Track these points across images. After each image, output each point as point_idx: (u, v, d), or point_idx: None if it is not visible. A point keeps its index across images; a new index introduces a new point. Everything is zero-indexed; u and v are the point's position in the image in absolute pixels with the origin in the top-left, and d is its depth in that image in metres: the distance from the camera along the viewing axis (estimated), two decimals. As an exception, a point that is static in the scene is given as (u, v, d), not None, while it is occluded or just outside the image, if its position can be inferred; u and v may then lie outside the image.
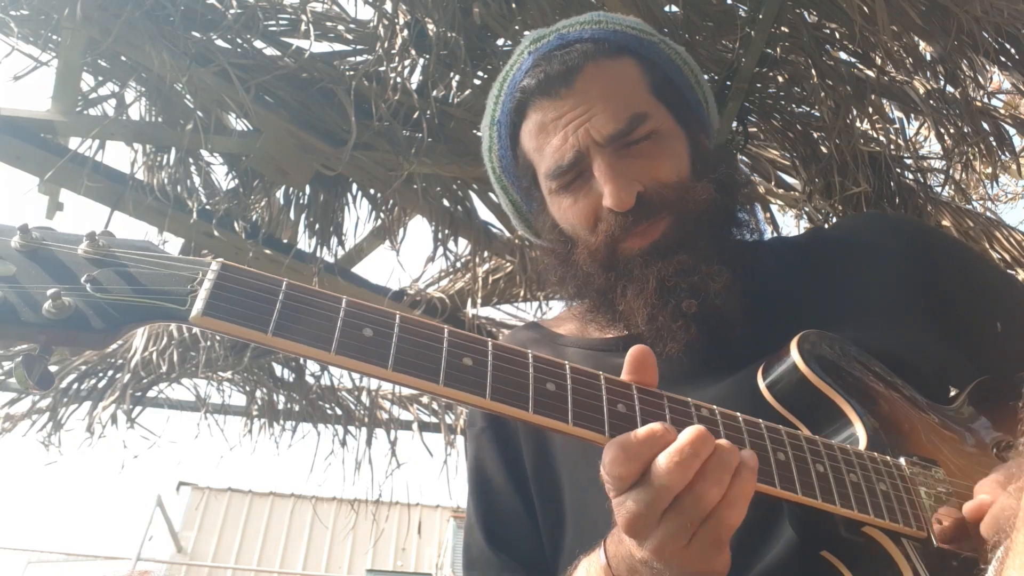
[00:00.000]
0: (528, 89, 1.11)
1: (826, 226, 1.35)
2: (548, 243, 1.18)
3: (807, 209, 3.30)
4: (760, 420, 0.82)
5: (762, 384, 0.93)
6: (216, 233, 2.88)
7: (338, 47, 2.82)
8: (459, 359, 0.72)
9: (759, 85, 2.90)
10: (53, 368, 3.90)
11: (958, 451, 0.95)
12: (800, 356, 0.91)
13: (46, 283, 0.62)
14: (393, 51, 2.57)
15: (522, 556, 1.07)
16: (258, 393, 4.31)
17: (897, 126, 3.03)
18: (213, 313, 0.65)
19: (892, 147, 3.04)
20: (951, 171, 3.01)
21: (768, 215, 3.33)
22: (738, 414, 0.82)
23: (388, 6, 2.63)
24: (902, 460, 0.87)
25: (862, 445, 0.88)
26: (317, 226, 3.22)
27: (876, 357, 0.98)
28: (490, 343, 0.75)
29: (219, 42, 2.59)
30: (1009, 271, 3.14)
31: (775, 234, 3.34)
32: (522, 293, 3.76)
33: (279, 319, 0.67)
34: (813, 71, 2.72)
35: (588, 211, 1.09)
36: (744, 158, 3.18)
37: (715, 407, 0.81)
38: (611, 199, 1.04)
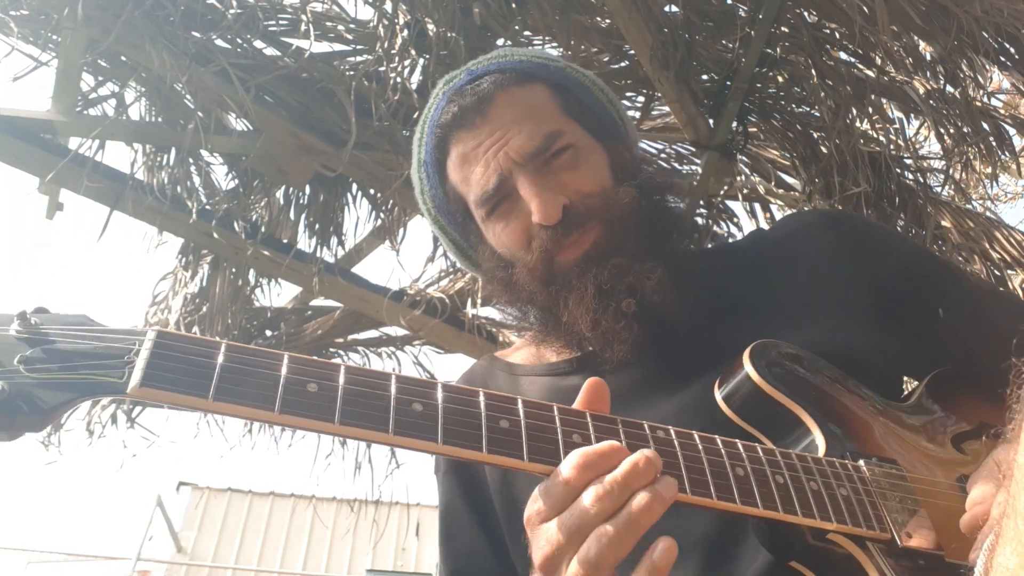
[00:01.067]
0: (445, 125, 1.15)
1: (765, 227, 1.36)
2: (489, 271, 1.19)
3: (807, 209, 3.30)
4: (716, 436, 0.82)
5: (719, 397, 0.94)
6: (215, 234, 2.88)
7: (338, 47, 2.82)
8: (408, 405, 0.71)
9: (759, 85, 2.90)
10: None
11: (917, 448, 0.96)
12: (753, 367, 0.92)
13: None
14: (393, 51, 2.57)
15: None
16: (258, 393, 4.31)
17: (897, 126, 3.03)
18: (151, 383, 0.64)
19: (892, 147, 3.04)
20: (951, 171, 3.01)
21: (768, 215, 3.33)
22: (694, 432, 0.82)
23: (388, 6, 2.63)
24: (861, 463, 0.88)
25: (821, 451, 0.89)
26: (317, 226, 3.22)
27: (827, 358, 0.99)
28: (439, 385, 0.74)
29: (219, 42, 2.59)
30: (1009, 270, 3.15)
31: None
32: (522, 293, 3.76)
33: (219, 383, 0.65)
34: (813, 71, 2.72)
35: (520, 231, 1.11)
36: (744, 158, 3.19)
37: (670, 428, 0.81)
38: (538, 214, 1.06)
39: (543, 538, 0.72)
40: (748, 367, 0.92)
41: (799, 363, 0.96)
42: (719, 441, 0.82)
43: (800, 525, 0.80)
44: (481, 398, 0.74)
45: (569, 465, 0.71)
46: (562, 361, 1.17)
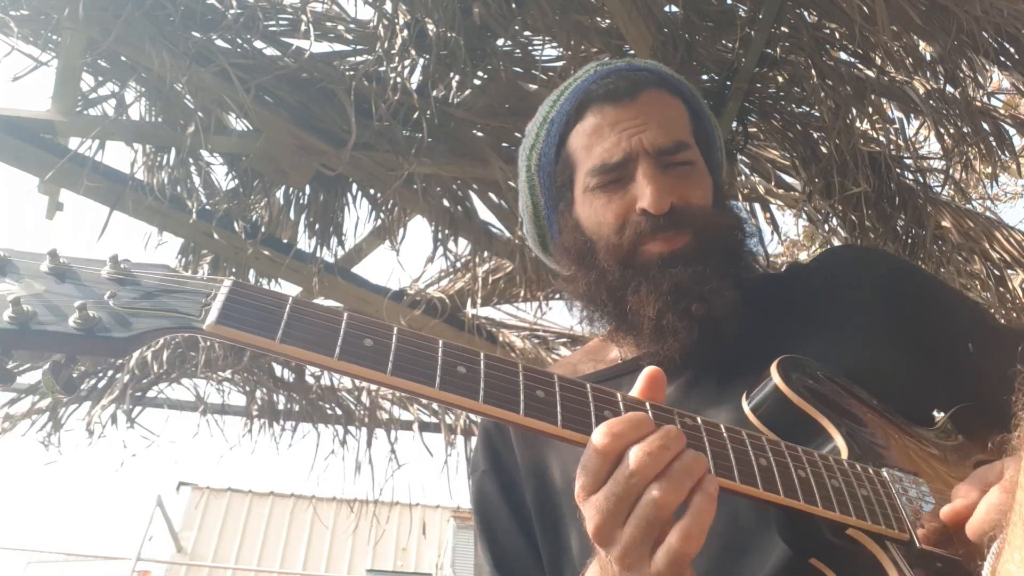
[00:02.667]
0: (593, 93, 1.19)
1: (802, 262, 1.44)
2: (564, 241, 1.22)
3: (807, 209, 3.30)
4: (742, 429, 0.85)
5: (747, 408, 0.96)
6: (215, 234, 2.88)
7: (338, 47, 2.82)
8: (454, 367, 0.76)
9: (759, 85, 2.90)
10: (53, 368, 3.90)
11: (937, 467, 0.98)
12: (781, 377, 0.95)
13: (73, 299, 0.68)
14: (393, 51, 2.57)
15: None
16: (258, 393, 4.31)
17: (897, 126, 3.03)
18: (225, 322, 0.70)
19: (892, 147, 3.04)
20: (951, 171, 3.01)
21: (768, 215, 3.33)
22: (720, 424, 0.84)
23: (388, 6, 2.63)
24: (884, 470, 0.90)
25: (843, 458, 0.90)
26: (317, 226, 3.22)
27: (855, 379, 1.02)
28: (482, 354, 0.79)
29: (219, 42, 2.59)
30: (1009, 270, 3.15)
31: (774, 235, 3.35)
32: (522, 293, 3.76)
33: (286, 328, 0.72)
34: (813, 71, 2.72)
35: (620, 212, 1.15)
36: (744, 158, 3.19)
37: (697, 416, 0.83)
38: (650, 200, 1.11)
39: (592, 508, 0.75)
40: (776, 378, 0.95)
41: (826, 378, 0.99)
42: (745, 433, 0.84)
43: (820, 521, 0.82)
44: (520, 369, 0.79)
45: (600, 434, 0.75)
46: (607, 368, 1.22)
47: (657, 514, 0.72)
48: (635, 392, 0.84)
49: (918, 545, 0.83)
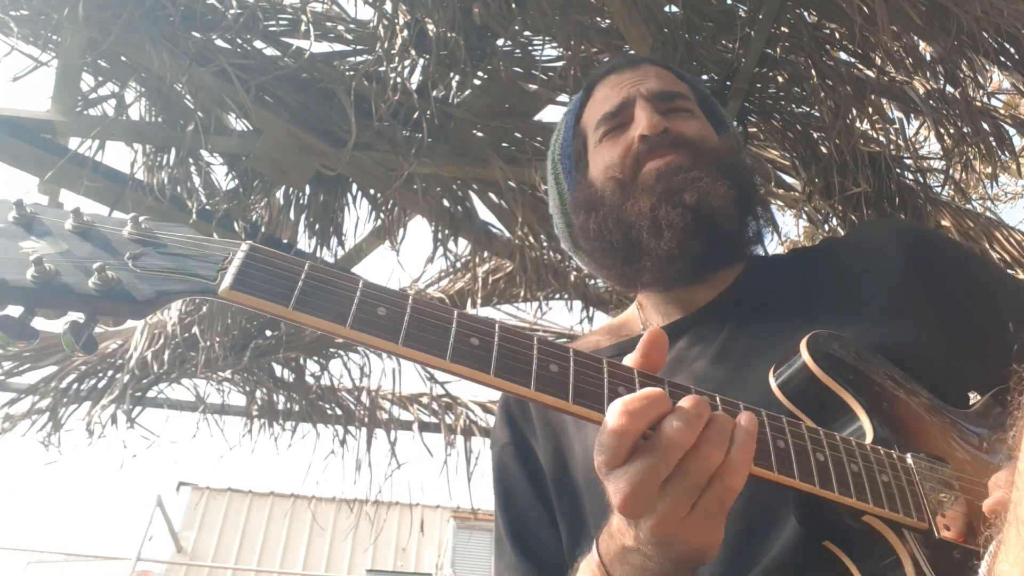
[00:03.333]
0: (598, 75, 1.32)
1: (839, 236, 1.45)
2: (579, 198, 1.27)
3: (807, 209, 3.30)
4: (761, 409, 0.83)
5: (773, 383, 0.95)
6: (215, 234, 2.88)
7: (338, 47, 2.82)
8: (466, 339, 0.75)
9: (759, 85, 2.90)
10: (53, 369, 3.91)
11: (969, 452, 0.95)
12: (810, 354, 0.93)
13: (95, 259, 0.70)
14: (393, 51, 2.57)
15: (550, 562, 1.11)
16: (258, 393, 4.31)
17: (897, 126, 3.02)
18: (240, 288, 0.71)
19: (892, 147, 3.04)
20: (951, 171, 3.01)
21: (768, 215, 3.33)
22: (740, 403, 0.82)
23: (388, 6, 2.63)
24: (908, 456, 0.88)
25: (868, 441, 0.88)
26: (317, 226, 3.22)
27: (889, 358, 0.99)
28: (497, 326, 0.78)
29: (219, 42, 2.58)
30: (1009, 270, 3.14)
31: (774, 235, 3.34)
32: (522, 293, 3.76)
33: (300, 295, 0.72)
34: (813, 71, 2.72)
35: (623, 148, 1.21)
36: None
37: (716, 395, 0.82)
38: (644, 122, 1.17)
39: (622, 481, 0.73)
40: (805, 355, 0.93)
41: (857, 355, 0.96)
42: (764, 414, 0.83)
43: (837, 505, 0.80)
44: (535, 342, 0.79)
45: (614, 413, 0.73)
46: (626, 341, 1.23)
47: (699, 479, 0.73)
48: (635, 354, 0.82)
49: (937, 535, 0.81)
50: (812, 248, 1.41)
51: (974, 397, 1.10)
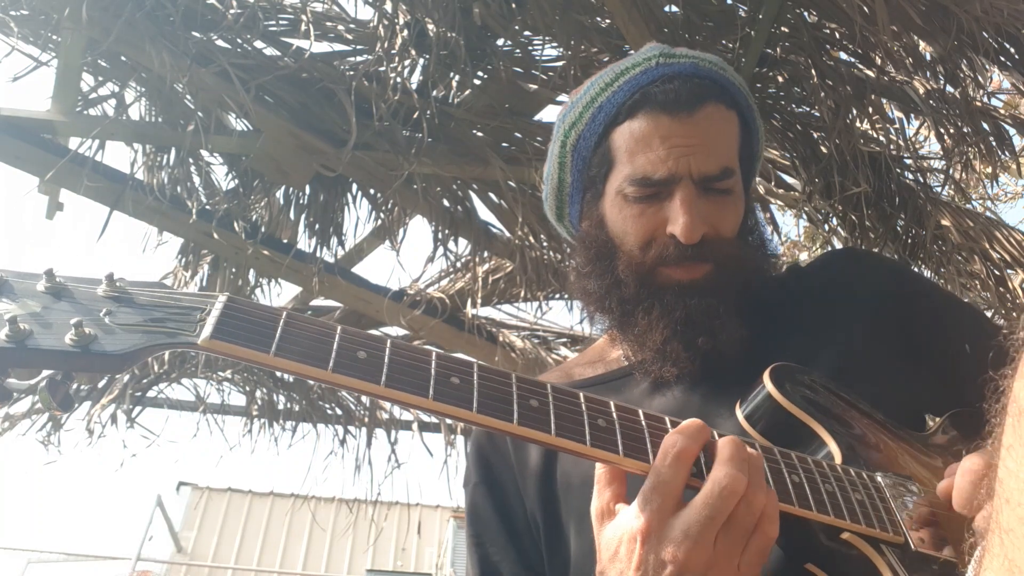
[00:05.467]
0: (652, 96, 1.14)
1: (802, 263, 1.43)
2: (585, 234, 1.22)
3: (807, 209, 3.30)
4: (736, 437, 0.84)
5: (741, 416, 0.97)
6: (215, 234, 2.88)
7: (338, 47, 2.82)
8: (447, 378, 0.77)
9: (759, 85, 2.90)
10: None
11: (933, 474, 0.98)
12: (773, 384, 0.95)
13: (70, 316, 0.69)
14: (393, 51, 2.57)
15: None
16: (258, 393, 4.31)
17: (897, 126, 3.03)
18: (220, 337, 0.72)
19: (892, 147, 3.04)
20: (951, 171, 3.01)
21: (768, 215, 3.33)
22: (713, 431, 0.84)
23: (388, 6, 2.63)
24: (877, 475, 0.91)
25: (837, 463, 0.91)
26: (317, 226, 3.22)
27: (851, 387, 1.02)
28: (476, 364, 0.80)
29: (219, 42, 2.59)
30: (1009, 270, 3.15)
31: (774, 235, 3.34)
32: (522, 293, 3.76)
33: (280, 342, 0.73)
34: (813, 71, 2.72)
35: (649, 229, 1.13)
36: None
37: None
38: (683, 230, 1.09)
39: (676, 531, 0.74)
40: (769, 385, 0.95)
41: (819, 384, 0.99)
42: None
43: (815, 526, 0.82)
44: (514, 379, 0.80)
45: (665, 467, 0.76)
46: (601, 375, 1.23)
47: (751, 520, 0.75)
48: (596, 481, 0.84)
49: (913, 548, 0.83)
50: (777, 278, 1.38)
51: (931, 421, 1.13)
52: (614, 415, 0.81)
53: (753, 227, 1.22)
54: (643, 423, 0.82)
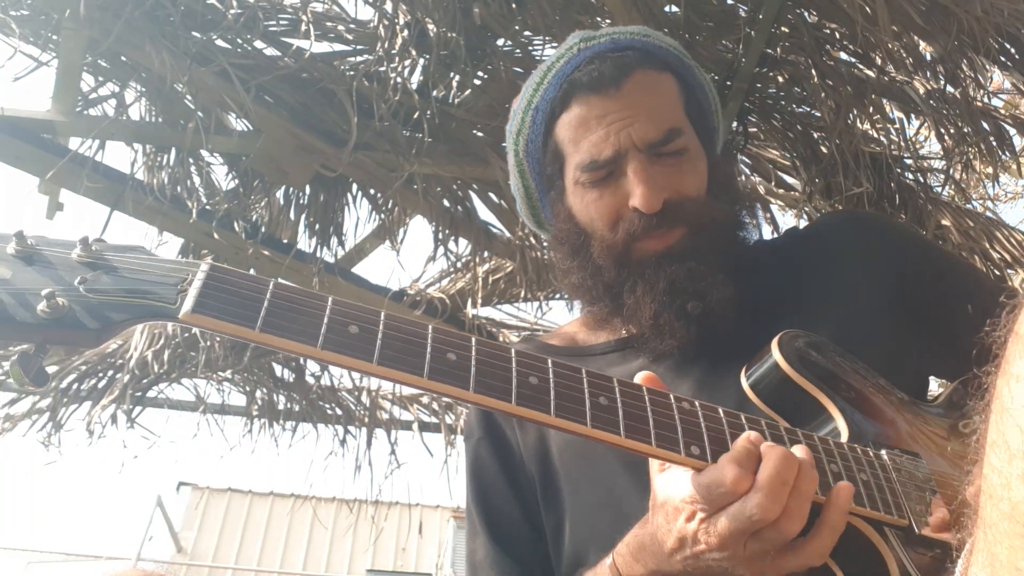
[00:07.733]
0: (577, 81, 1.14)
1: (800, 226, 1.40)
2: (558, 232, 1.21)
3: (807, 209, 3.30)
4: (740, 412, 0.83)
5: (745, 384, 0.95)
6: (215, 234, 2.88)
7: (338, 47, 2.82)
8: (443, 354, 0.72)
9: (759, 85, 2.90)
10: (52, 369, 3.90)
11: (939, 444, 0.96)
12: (781, 354, 0.93)
13: (41, 285, 0.64)
14: (393, 51, 2.57)
15: (527, 558, 1.10)
16: (258, 393, 4.31)
17: (897, 126, 3.02)
18: (202, 310, 0.66)
19: (892, 147, 3.04)
20: (951, 171, 3.01)
21: (768, 215, 3.33)
22: (718, 407, 0.83)
23: (388, 6, 2.63)
24: (883, 452, 0.88)
25: (843, 439, 0.89)
26: (317, 226, 3.22)
27: (857, 355, 1.00)
28: (474, 339, 0.76)
29: (219, 42, 2.58)
30: (1009, 270, 3.15)
31: (774, 235, 3.34)
32: (522, 293, 3.76)
33: (267, 316, 0.68)
34: (813, 71, 2.72)
35: (612, 208, 1.12)
36: (744, 158, 3.18)
37: (695, 400, 0.83)
38: (641, 200, 1.08)
39: (720, 524, 0.76)
40: (776, 354, 0.93)
41: (826, 354, 0.97)
42: (743, 417, 0.83)
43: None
44: (513, 355, 0.76)
45: (733, 469, 0.76)
46: (601, 343, 1.21)
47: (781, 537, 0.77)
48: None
49: (917, 531, 0.82)
50: (775, 241, 1.38)
51: (939, 389, 1.11)
52: (616, 393, 0.78)
53: (725, 183, 1.20)
54: (647, 401, 0.79)
